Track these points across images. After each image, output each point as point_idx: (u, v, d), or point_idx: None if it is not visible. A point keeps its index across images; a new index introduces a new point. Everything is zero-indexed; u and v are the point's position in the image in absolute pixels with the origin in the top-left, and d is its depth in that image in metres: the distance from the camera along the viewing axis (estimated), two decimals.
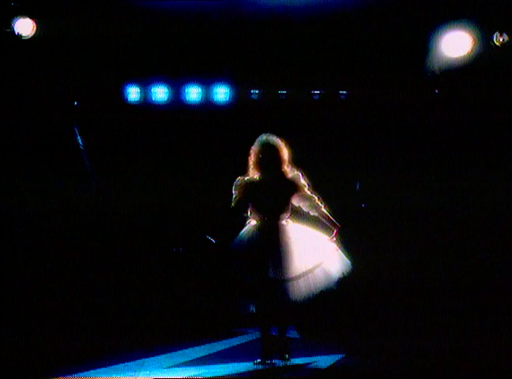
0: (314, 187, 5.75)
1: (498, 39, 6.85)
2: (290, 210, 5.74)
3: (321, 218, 5.76)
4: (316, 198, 5.74)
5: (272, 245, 5.63)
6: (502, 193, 7.39)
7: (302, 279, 5.58)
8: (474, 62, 6.93)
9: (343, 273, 5.67)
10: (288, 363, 5.80)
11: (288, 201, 5.71)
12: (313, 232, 5.75)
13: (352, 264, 5.65)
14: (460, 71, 7.06)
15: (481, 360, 5.83)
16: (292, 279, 5.56)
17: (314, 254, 5.65)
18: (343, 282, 5.64)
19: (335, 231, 5.73)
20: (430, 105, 7.49)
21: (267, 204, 5.70)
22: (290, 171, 5.73)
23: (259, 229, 5.68)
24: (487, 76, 7.07)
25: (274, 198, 5.69)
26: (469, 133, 7.54)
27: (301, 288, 5.56)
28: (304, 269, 5.59)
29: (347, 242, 5.77)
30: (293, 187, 5.70)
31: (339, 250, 5.73)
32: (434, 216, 7.70)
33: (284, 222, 5.71)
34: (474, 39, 6.92)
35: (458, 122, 7.49)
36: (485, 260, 7.44)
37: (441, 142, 7.65)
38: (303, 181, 5.72)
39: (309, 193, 5.72)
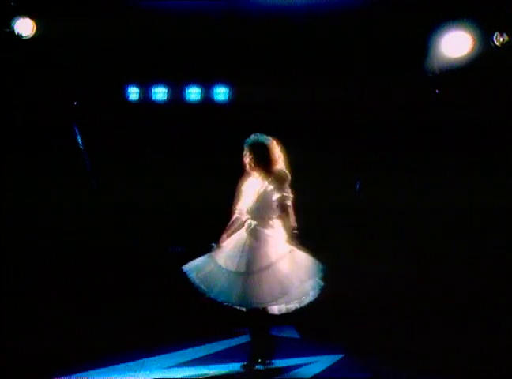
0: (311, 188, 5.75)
1: (499, 39, 6.81)
2: (276, 210, 5.70)
3: (282, 215, 5.70)
4: (287, 196, 5.66)
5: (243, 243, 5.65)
6: (503, 193, 7.38)
7: (262, 272, 5.53)
8: (474, 63, 6.90)
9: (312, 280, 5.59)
10: (282, 362, 5.82)
11: (271, 201, 5.67)
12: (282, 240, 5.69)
13: (325, 270, 5.55)
14: (460, 71, 7.03)
15: (480, 360, 5.84)
16: (257, 271, 5.53)
17: (279, 253, 5.61)
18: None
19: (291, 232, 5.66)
20: (430, 105, 7.47)
21: (251, 204, 5.71)
22: (278, 169, 5.69)
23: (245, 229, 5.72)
24: (488, 76, 7.04)
25: (257, 199, 5.68)
26: (469, 133, 7.52)
27: (262, 282, 5.51)
28: (266, 263, 5.55)
29: (346, 244, 5.77)
30: (274, 184, 5.65)
31: (308, 257, 5.64)
32: (431, 217, 7.69)
33: (266, 223, 5.68)
34: (474, 39, 6.88)
35: (458, 122, 7.47)
36: (484, 262, 7.43)
37: (441, 143, 7.64)
38: (284, 179, 5.65)
39: (285, 190, 5.66)
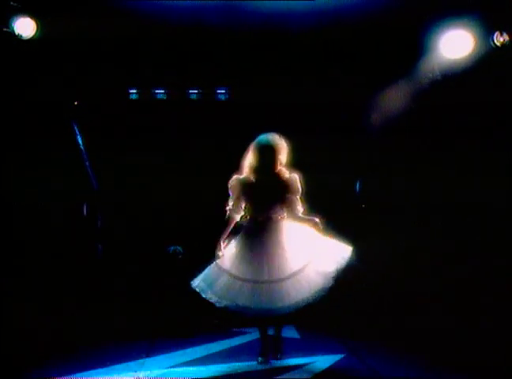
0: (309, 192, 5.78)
1: (499, 38, 6.75)
2: (284, 209, 5.74)
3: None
4: (300, 207, 5.71)
5: (264, 245, 5.66)
6: (503, 196, 7.35)
7: (292, 279, 5.56)
8: (476, 64, 6.85)
9: (342, 262, 5.61)
10: (282, 362, 5.86)
11: (280, 201, 5.71)
12: (303, 229, 5.73)
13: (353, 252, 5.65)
14: (461, 74, 6.98)
15: (482, 359, 5.83)
16: (283, 279, 5.55)
17: (303, 254, 5.64)
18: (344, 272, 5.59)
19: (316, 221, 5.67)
20: (430, 106, 7.45)
21: (260, 203, 5.73)
22: (286, 172, 5.73)
23: (253, 229, 5.72)
24: (491, 78, 6.99)
25: (267, 197, 5.71)
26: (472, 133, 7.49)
27: (291, 288, 5.53)
28: (295, 269, 5.57)
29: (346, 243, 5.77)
30: (285, 188, 5.69)
31: (332, 241, 5.70)
32: (431, 213, 7.67)
33: (276, 220, 5.72)
34: (476, 39, 6.82)
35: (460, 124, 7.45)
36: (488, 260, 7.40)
37: (443, 144, 7.62)
38: (296, 185, 5.71)
39: (296, 199, 5.71)
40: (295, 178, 5.73)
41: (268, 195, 5.73)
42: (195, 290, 5.71)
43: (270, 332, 6.00)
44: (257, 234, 5.71)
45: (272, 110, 7.42)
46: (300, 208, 5.73)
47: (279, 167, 5.72)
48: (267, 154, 5.69)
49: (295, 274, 5.57)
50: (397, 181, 7.61)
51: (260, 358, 5.88)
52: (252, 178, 5.76)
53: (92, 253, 7.59)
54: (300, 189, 5.72)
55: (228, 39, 7.00)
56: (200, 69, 7.35)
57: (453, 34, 6.80)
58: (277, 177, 5.72)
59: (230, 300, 5.58)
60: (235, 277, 5.63)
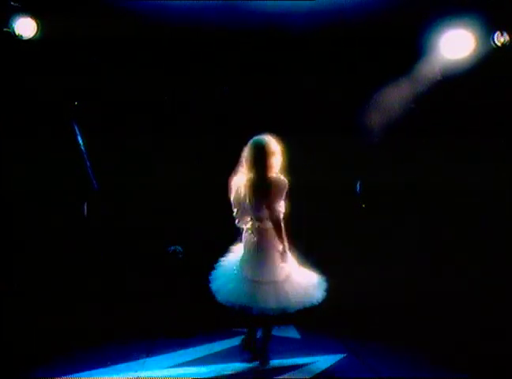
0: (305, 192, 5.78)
1: (499, 38, 6.74)
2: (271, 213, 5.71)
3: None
4: (278, 211, 5.70)
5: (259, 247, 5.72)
6: (504, 196, 7.34)
7: (284, 282, 5.65)
8: (476, 64, 6.83)
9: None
10: (282, 362, 5.89)
11: (266, 204, 5.68)
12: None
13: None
14: (461, 74, 6.97)
15: (483, 360, 5.84)
16: (276, 281, 5.64)
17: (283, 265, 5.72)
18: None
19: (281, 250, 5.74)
20: (430, 106, 7.44)
21: (250, 206, 5.73)
22: (276, 175, 5.73)
23: (251, 232, 5.77)
24: (491, 78, 6.97)
25: (257, 201, 5.70)
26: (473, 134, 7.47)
27: (282, 291, 5.62)
28: (274, 278, 5.66)
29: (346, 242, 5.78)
30: (269, 190, 5.68)
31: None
32: (437, 215, 7.67)
33: (266, 225, 5.73)
34: (476, 39, 6.81)
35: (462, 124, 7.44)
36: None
37: (444, 144, 7.61)
38: (280, 189, 5.68)
39: (277, 203, 5.69)
40: (279, 179, 5.71)
41: (257, 198, 5.72)
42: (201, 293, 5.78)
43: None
44: (253, 237, 5.75)
45: (272, 110, 7.42)
46: (279, 217, 5.71)
47: (270, 170, 5.70)
48: (261, 155, 5.70)
49: (286, 278, 5.67)
50: (397, 181, 7.60)
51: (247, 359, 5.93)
52: (247, 179, 5.75)
53: (92, 253, 7.58)
54: (283, 193, 5.70)
55: (228, 39, 7.00)
56: (200, 69, 7.35)
57: (453, 34, 6.79)
58: (267, 179, 5.71)
59: (235, 299, 5.65)
60: (244, 278, 5.70)
